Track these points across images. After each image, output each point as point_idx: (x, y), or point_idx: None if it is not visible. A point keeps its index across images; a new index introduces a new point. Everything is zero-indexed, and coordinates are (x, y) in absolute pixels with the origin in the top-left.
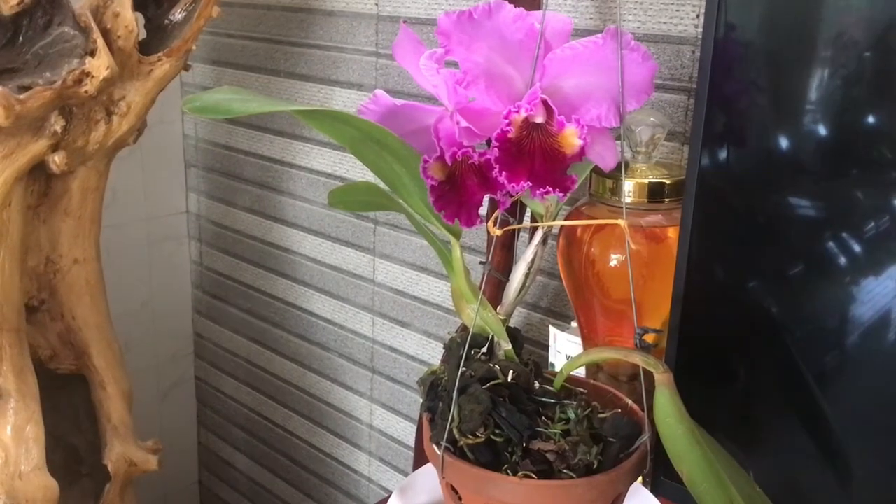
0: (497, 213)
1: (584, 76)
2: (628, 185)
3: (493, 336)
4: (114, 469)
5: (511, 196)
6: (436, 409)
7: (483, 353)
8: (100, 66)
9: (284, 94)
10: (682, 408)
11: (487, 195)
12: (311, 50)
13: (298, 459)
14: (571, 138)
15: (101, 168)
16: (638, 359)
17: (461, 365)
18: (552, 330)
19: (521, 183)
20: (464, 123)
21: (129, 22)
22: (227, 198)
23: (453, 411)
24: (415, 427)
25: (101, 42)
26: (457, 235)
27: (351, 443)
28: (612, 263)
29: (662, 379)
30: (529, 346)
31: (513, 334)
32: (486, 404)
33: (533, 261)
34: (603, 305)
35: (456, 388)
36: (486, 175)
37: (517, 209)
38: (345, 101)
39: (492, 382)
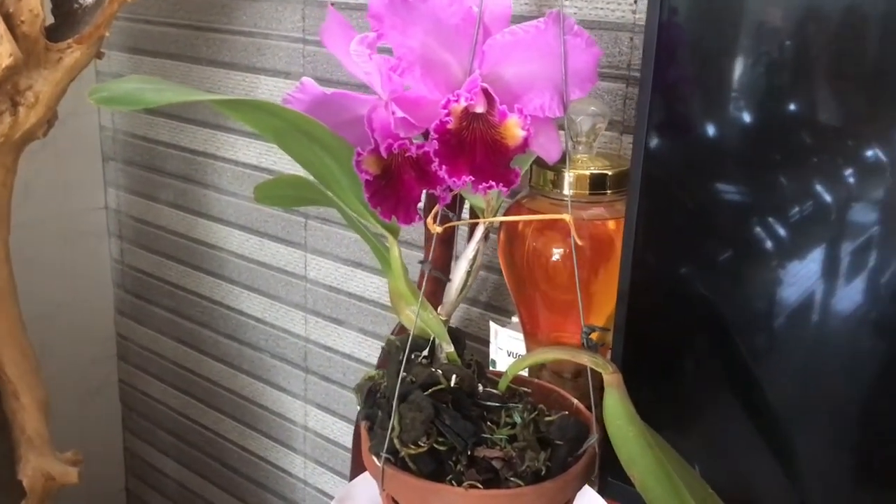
0: (437, 208)
1: (525, 63)
2: (570, 177)
3: (434, 338)
4: (30, 484)
5: (452, 191)
6: (374, 418)
7: (424, 357)
8: (1, 53)
9: (207, 82)
10: (632, 409)
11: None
12: (234, 36)
13: (230, 463)
14: (514, 129)
15: (9, 163)
16: (586, 359)
17: (401, 370)
18: (493, 326)
19: (462, 177)
20: (399, 113)
21: (34, 6)
22: (148, 192)
23: (394, 420)
24: (352, 427)
25: (2, 27)
26: (394, 233)
27: (285, 445)
28: (555, 258)
29: (611, 380)
30: (469, 342)
31: (455, 335)
32: (429, 412)
33: (475, 258)
34: (546, 301)
35: (396, 395)
36: (425, 169)
37: (456, 203)
38: (270, 89)
39: (434, 388)
